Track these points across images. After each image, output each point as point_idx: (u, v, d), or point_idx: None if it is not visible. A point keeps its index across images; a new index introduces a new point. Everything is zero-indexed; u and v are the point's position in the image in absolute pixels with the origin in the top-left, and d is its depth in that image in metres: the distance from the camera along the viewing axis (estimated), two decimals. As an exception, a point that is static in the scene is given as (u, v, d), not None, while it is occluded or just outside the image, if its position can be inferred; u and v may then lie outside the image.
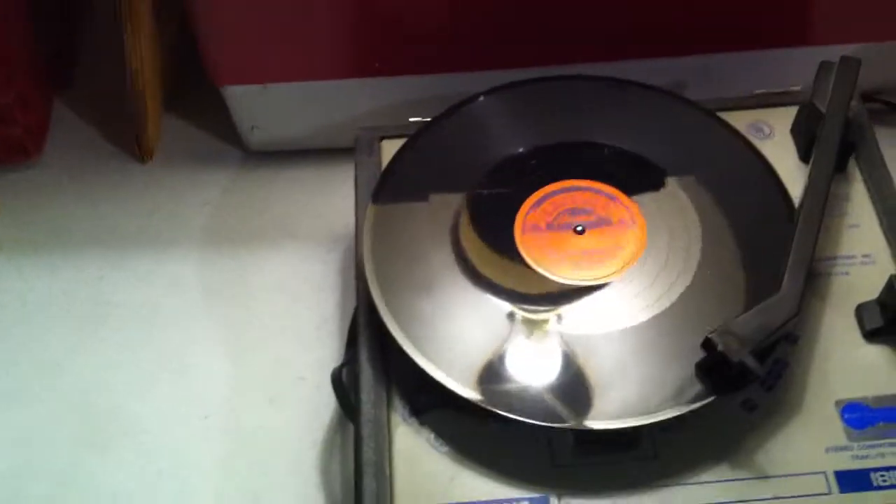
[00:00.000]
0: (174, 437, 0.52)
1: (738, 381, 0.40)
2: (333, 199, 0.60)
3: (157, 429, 0.52)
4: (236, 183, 0.62)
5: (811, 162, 0.46)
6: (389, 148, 0.51)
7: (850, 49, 0.55)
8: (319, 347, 0.54)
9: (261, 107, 0.58)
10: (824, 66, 0.49)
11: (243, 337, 0.55)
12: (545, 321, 0.44)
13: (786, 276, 0.42)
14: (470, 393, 0.42)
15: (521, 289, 0.45)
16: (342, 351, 0.53)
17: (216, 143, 0.64)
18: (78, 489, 0.51)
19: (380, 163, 0.51)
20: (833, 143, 0.46)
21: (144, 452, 0.52)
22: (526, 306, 0.45)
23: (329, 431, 0.52)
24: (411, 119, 0.52)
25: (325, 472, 0.50)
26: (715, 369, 0.40)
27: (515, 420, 0.41)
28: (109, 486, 0.51)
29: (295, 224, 0.60)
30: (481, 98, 0.51)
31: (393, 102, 0.57)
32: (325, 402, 0.52)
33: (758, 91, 0.53)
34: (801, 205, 0.45)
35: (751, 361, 0.39)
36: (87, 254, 0.59)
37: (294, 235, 0.59)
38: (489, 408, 0.41)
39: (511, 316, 0.44)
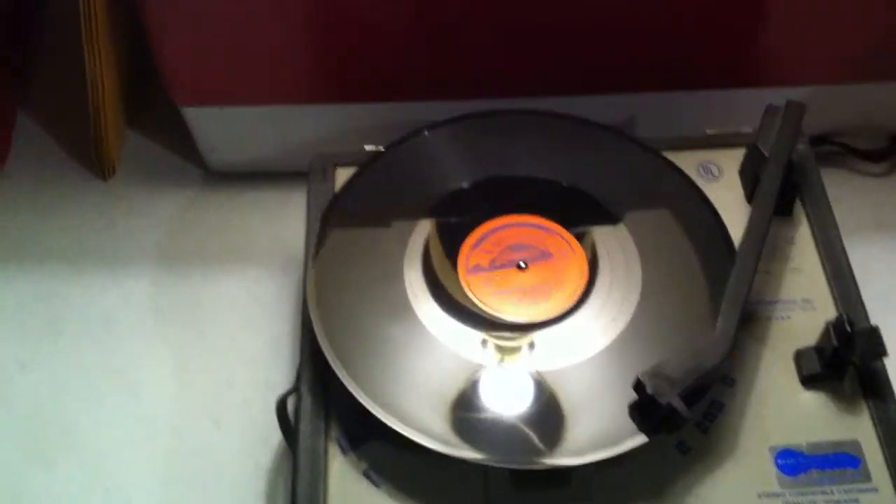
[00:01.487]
0: (120, 456, 0.52)
1: (669, 424, 0.40)
2: (292, 221, 0.60)
3: (103, 447, 0.52)
4: (195, 202, 0.62)
5: (752, 205, 0.47)
6: (343, 175, 0.52)
7: (806, 90, 0.56)
8: (269, 371, 0.55)
9: (219, 128, 0.59)
10: (770, 110, 0.50)
11: (193, 357, 0.55)
12: (484, 358, 0.45)
13: (719, 320, 0.42)
14: (405, 428, 0.42)
15: (461, 324, 0.46)
16: (292, 376, 0.53)
17: (178, 162, 0.64)
18: (19, 501, 0.51)
19: (333, 189, 0.52)
20: (774, 187, 0.47)
21: (90, 470, 0.52)
22: (465, 341, 0.45)
23: (274, 456, 0.52)
24: (366, 147, 0.52)
25: (270, 496, 0.51)
26: (646, 411, 0.41)
27: (450, 456, 0.41)
28: (51, 500, 0.51)
29: (252, 245, 0.60)
30: (430, 131, 0.52)
31: (352, 128, 0.58)
32: (272, 427, 0.51)
33: (710, 131, 0.54)
34: (740, 248, 0.45)
35: (679, 405, 0.39)
36: (43, 267, 0.59)
37: (250, 257, 0.60)
38: (423, 443, 0.41)
39: (448, 349, 0.45)
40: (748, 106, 0.53)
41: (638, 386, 0.40)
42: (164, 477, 0.51)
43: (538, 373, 0.44)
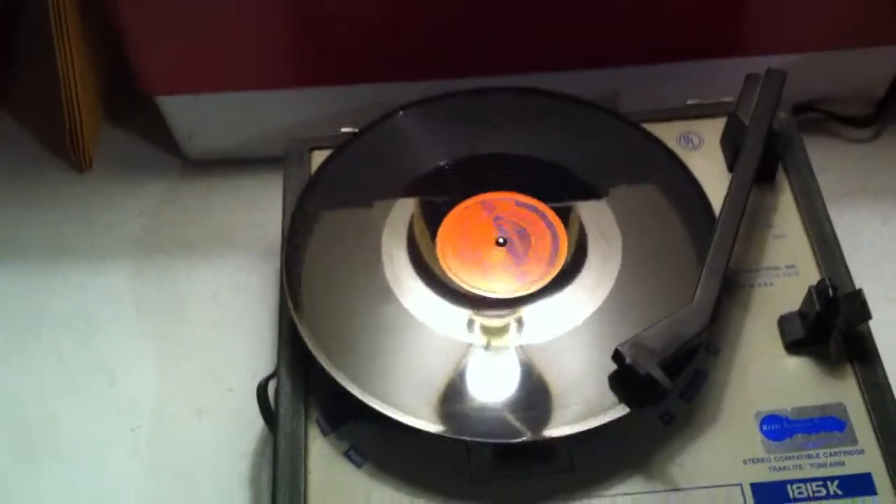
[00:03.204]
0: (103, 448, 0.52)
1: (650, 394, 0.40)
2: (272, 208, 0.59)
3: (86, 439, 0.52)
4: (174, 192, 0.62)
5: (732, 174, 0.46)
6: (320, 158, 0.51)
7: (790, 58, 0.55)
8: (251, 358, 0.54)
9: (195, 116, 0.58)
10: (750, 79, 0.49)
11: (175, 348, 0.55)
12: (463, 334, 0.44)
13: (698, 289, 0.41)
14: (384, 406, 0.41)
15: (440, 301, 0.45)
16: (275, 363, 0.53)
17: (156, 152, 0.63)
18: (4, 499, 0.50)
19: (309, 173, 0.51)
20: (754, 155, 0.46)
21: (73, 463, 0.51)
22: (444, 319, 0.45)
23: (258, 443, 0.51)
24: (342, 129, 0.52)
25: (254, 483, 0.50)
26: (627, 382, 0.40)
27: (431, 434, 0.41)
28: (36, 497, 0.50)
29: (232, 234, 0.60)
30: (406, 111, 0.51)
31: (326, 112, 0.57)
32: (255, 414, 0.51)
33: (690, 101, 0.53)
34: (719, 217, 0.44)
35: (658, 374, 0.39)
36: (22, 262, 0.59)
37: (231, 245, 0.59)
38: (403, 421, 0.41)
39: (427, 327, 0.44)
40: (732, 76, 0.52)
41: (617, 356, 0.40)
42: (150, 468, 0.51)
43: (520, 348, 0.44)
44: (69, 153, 0.62)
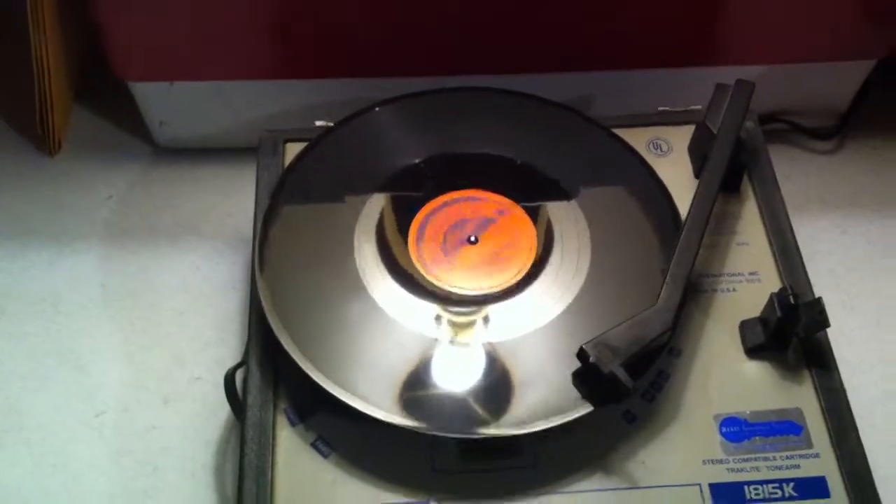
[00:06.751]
0: (68, 433, 0.52)
1: (613, 393, 0.41)
2: (243, 198, 0.60)
3: (51, 424, 0.52)
4: (144, 178, 0.62)
5: (699, 181, 0.47)
6: (293, 150, 0.52)
7: (758, 70, 0.57)
8: (219, 347, 0.54)
9: (168, 103, 0.58)
10: (720, 88, 0.50)
11: (142, 334, 0.55)
12: (431, 329, 0.45)
13: (662, 291, 0.42)
14: (351, 397, 0.42)
15: (410, 296, 0.46)
16: (241, 353, 0.53)
17: (126, 138, 0.63)
18: (-34, 483, 0.50)
19: (283, 165, 0.51)
20: (721, 163, 0.47)
21: (37, 448, 0.51)
22: (413, 313, 0.45)
23: (223, 431, 0.51)
24: (317, 122, 0.52)
25: (218, 471, 0.50)
26: (590, 380, 0.41)
27: (396, 426, 0.41)
28: (0, 480, 0.50)
29: (202, 222, 0.60)
30: (381, 108, 0.51)
31: (301, 105, 0.57)
32: (221, 403, 0.51)
33: (660, 108, 0.54)
34: (685, 222, 0.45)
35: (621, 373, 0.39)
36: (-11, 244, 0.59)
37: (200, 233, 0.59)
38: (370, 413, 0.41)
39: (396, 322, 0.45)
40: (702, 84, 0.53)
41: (581, 354, 0.40)
42: (114, 454, 0.51)
43: (488, 344, 0.44)
44: (39, 135, 0.61)
